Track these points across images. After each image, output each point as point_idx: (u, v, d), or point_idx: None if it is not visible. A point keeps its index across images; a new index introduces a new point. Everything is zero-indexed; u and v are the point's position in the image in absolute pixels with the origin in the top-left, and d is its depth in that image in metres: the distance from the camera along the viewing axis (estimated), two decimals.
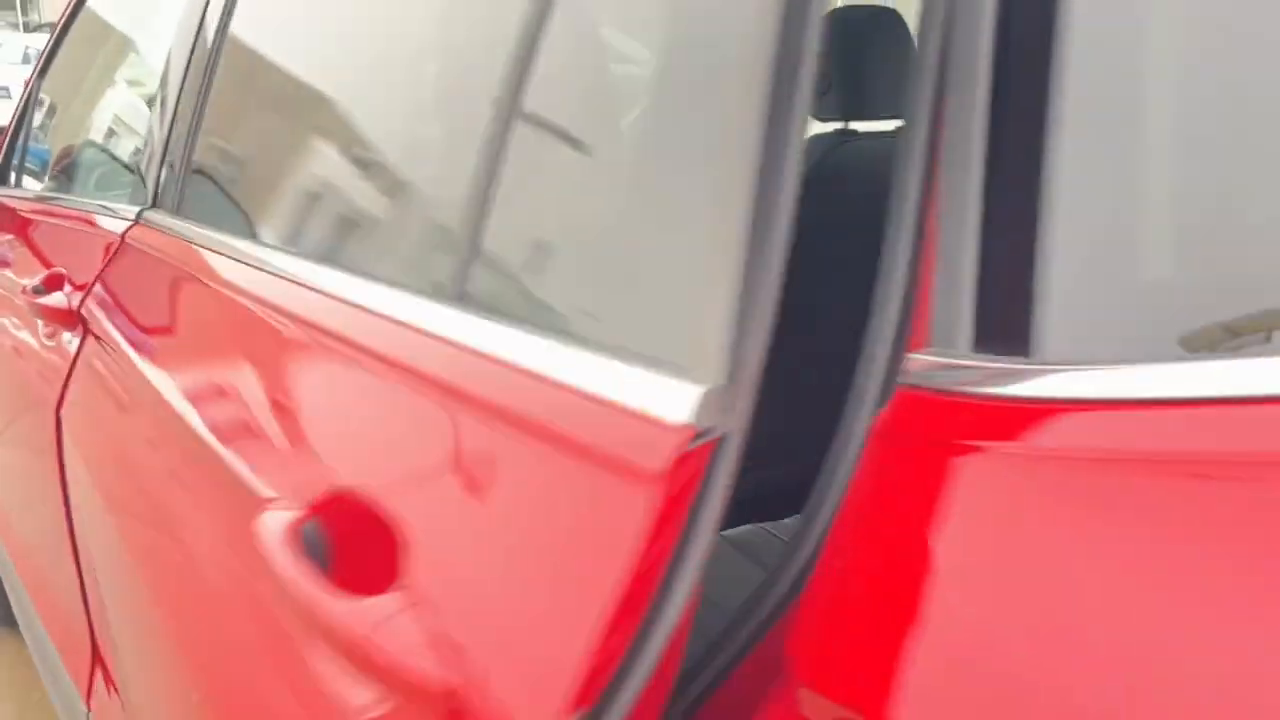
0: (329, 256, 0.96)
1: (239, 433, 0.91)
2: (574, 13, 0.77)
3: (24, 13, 34.72)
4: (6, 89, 13.02)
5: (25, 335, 1.58)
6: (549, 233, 0.74)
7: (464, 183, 0.82)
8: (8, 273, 1.71)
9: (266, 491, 0.80)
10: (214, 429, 0.98)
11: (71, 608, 1.53)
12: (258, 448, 0.87)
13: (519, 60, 0.79)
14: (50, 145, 2.01)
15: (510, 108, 0.78)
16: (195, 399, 1.04)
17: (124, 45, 1.85)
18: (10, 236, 1.81)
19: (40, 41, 17.58)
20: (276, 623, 0.79)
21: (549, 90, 0.75)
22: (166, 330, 1.18)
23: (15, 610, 2.06)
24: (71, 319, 1.39)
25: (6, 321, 1.68)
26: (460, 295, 0.76)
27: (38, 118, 2.03)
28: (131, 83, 1.81)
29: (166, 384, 1.12)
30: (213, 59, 1.25)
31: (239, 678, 0.92)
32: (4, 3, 34.75)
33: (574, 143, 0.75)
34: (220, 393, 0.98)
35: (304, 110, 1.14)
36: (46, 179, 1.89)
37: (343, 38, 1.10)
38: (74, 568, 1.45)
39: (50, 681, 1.81)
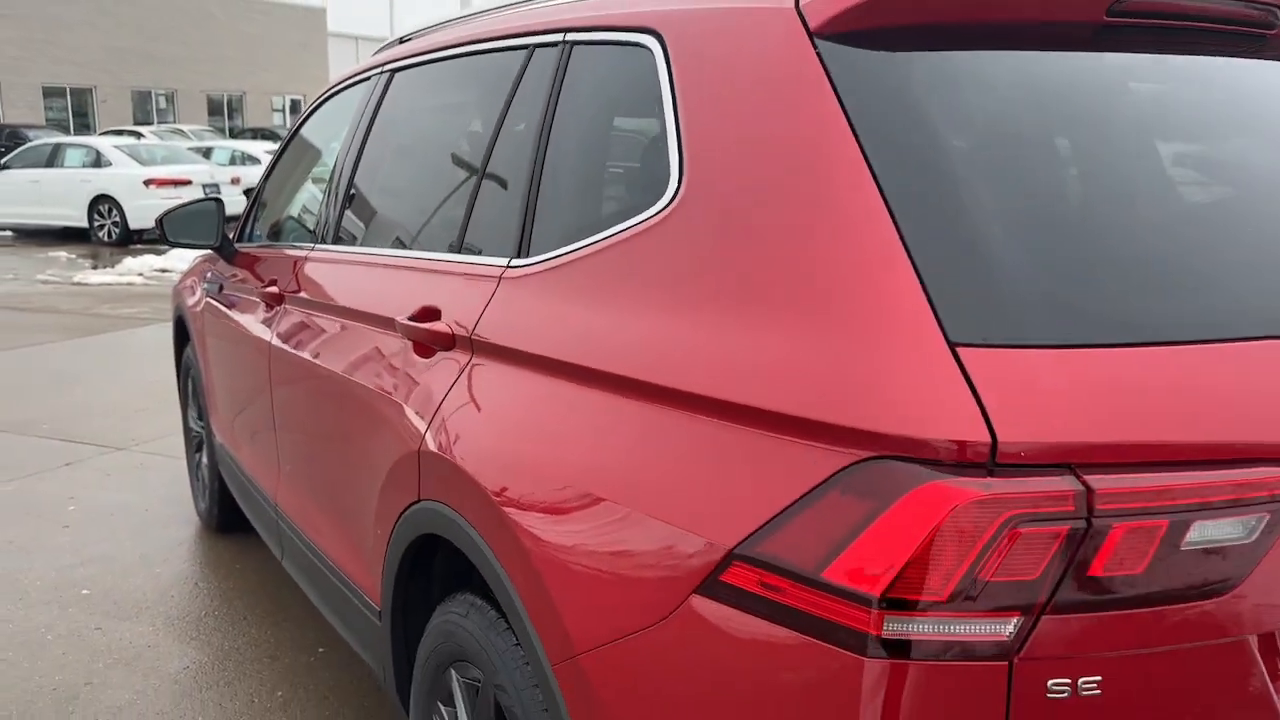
0: (379, 242, 2.37)
1: (352, 316, 2.28)
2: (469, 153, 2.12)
3: (229, 118, 39.05)
4: (217, 186, 15.30)
5: (256, 314, 3.02)
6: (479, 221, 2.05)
7: (438, 209, 2.20)
8: (248, 284, 3.18)
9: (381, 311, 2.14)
10: (336, 328, 2.36)
11: (269, 456, 2.92)
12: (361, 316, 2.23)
13: (461, 169, 2.16)
14: (264, 224, 3.48)
15: (456, 188, 2.15)
16: (324, 312, 2.44)
17: (309, 161, 3.31)
18: (247, 270, 3.27)
19: (243, 145, 20.40)
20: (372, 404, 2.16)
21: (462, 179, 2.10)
22: (324, 293, 2.56)
23: (239, 495, 3.47)
24: (279, 299, 2.82)
25: (247, 307, 3.14)
26: (424, 246, 2.11)
27: (261, 204, 3.52)
28: (313, 180, 3.25)
29: (314, 316, 2.52)
30: (348, 173, 2.66)
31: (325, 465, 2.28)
32: (215, 109, 39.19)
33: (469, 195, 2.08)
34: (334, 305, 2.38)
35: (380, 196, 2.54)
36: (265, 237, 3.36)
37: (401, 163, 2.50)
38: (272, 430, 2.84)
39: (256, 515, 3.22)
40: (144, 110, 35.85)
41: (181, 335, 4.26)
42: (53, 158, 15.97)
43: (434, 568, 1.97)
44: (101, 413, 5.89)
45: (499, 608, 1.67)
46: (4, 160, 16.68)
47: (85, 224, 15.37)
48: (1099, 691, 1.05)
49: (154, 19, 35.69)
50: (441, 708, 1.89)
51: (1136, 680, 1.06)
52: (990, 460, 1.03)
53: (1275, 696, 1.12)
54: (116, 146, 16.17)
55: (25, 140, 23.22)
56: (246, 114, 39.83)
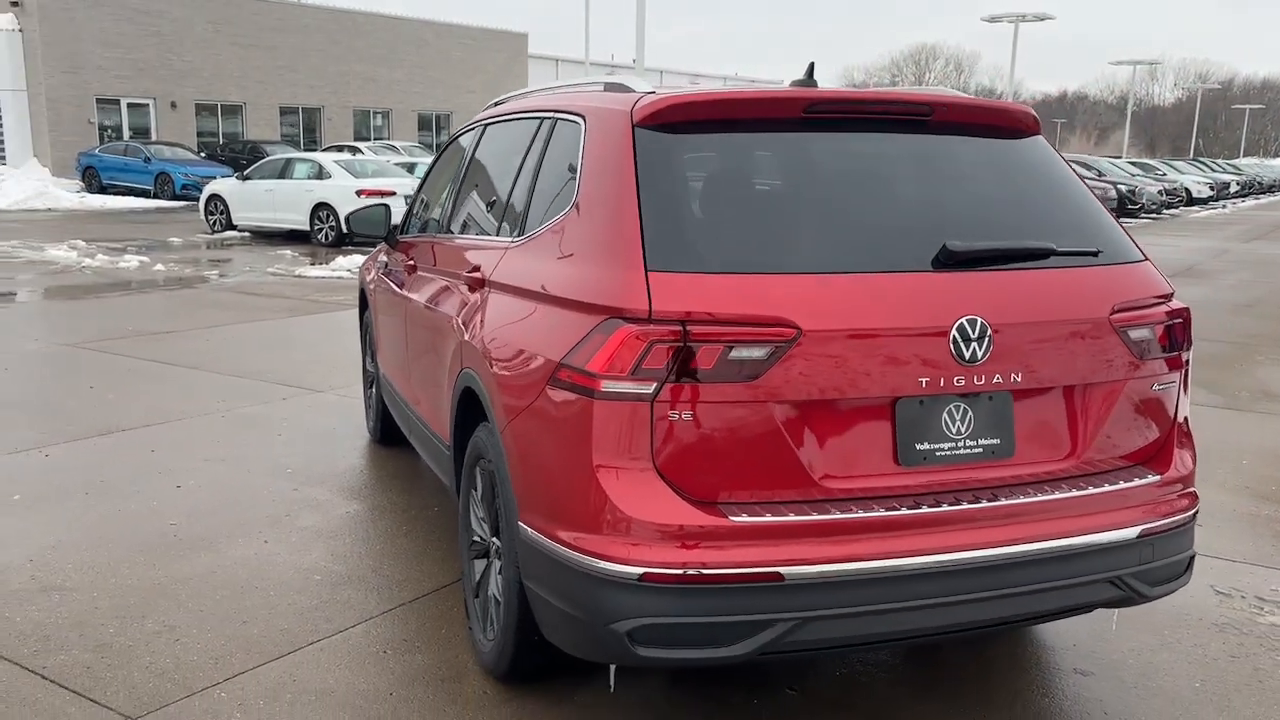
0: (465, 231, 3.88)
1: (450, 270, 3.81)
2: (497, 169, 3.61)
3: (437, 134, 42.48)
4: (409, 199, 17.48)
5: (402, 280, 4.60)
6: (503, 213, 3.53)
7: (491, 211, 3.69)
8: (400, 261, 4.76)
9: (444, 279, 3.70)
10: (437, 282, 3.89)
11: (405, 369, 4.50)
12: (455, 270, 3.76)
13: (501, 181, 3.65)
14: (414, 222, 5.06)
15: (496, 191, 3.63)
16: (434, 274, 3.97)
17: (442, 181, 4.87)
18: (401, 254, 4.86)
19: None
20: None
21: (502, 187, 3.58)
22: (443, 260, 4.07)
23: (390, 404, 5.08)
24: (414, 269, 4.38)
25: (398, 277, 4.73)
26: (483, 233, 3.60)
27: (413, 209, 5.12)
28: (441, 193, 4.80)
29: (429, 276, 4.06)
30: (457, 188, 4.19)
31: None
32: (425, 125, 42.71)
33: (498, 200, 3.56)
34: (437, 269, 3.91)
35: (468, 203, 4.06)
36: (414, 231, 4.94)
37: (480, 183, 4.01)
38: (406, 352, 4.41)
39: (397, 411, 4.82)
40: (363, 126, 39.61)
41: (362, 303, 5.94)
42: (284, 170, 18.68)
43: (472, 416, 3.43)
44: (310, 368, 7.74)
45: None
46: (246, 172, 19.57)
47: (307, 227, 17.93)
48: (691, 418, 2.40)
49: (376, 45, 39.36)
50: (471, 492, 3.36)
51: (710, 415, 2.40)
52: (649, 318, 2.40)
53: (782, 431, 2.44)
54: (336, 161, 18.74)
55: (264, 154, 26.65)
56: (453, 130, 43.16)
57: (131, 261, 14.34)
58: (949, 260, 2.58)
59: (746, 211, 2.65)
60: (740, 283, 2.46)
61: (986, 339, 2.55)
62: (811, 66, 3.15)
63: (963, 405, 2.60)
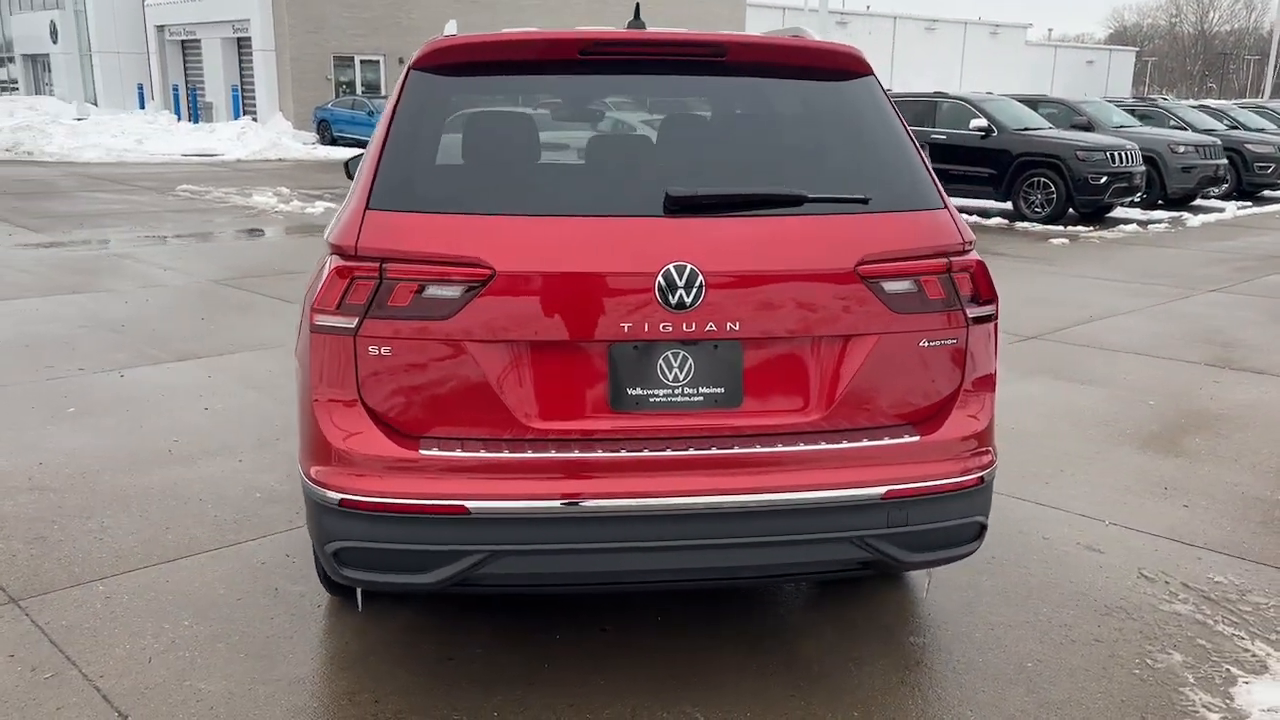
0: None
1: None
2: None
3: None
4: None
5: None
6: None
7: None
8: None
9: None
10: None
11: None
12: None
13: None
14: None
15: None
16: None
17: None
18: None
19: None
20: None
21: None
22: None
23: None
24: None
25: None
26: None
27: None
28: None
29: None
30: None
31: None
32: None
33: None
34: None
35: None
36: None
37: None
38: None
39: None
40: None
41: None
42: None
43: None
44: None
45: None
46: None
47: None
48: (391, 354, 2.49)
49: (589, 1, 40.09)
50: None
51: (408, 351, 2.48)
52: (355, 254, 2.50)
53: (482, 370, 2.48)
54: None
55: None
56: None
57: (318, 208, 15.48)
58: (672, 206, 2.53)
59: (480, 154, 2.68)
60: (440, 222, 2.51)
61: (697, 286, 2.49)
62: (637, 8, 3.10)
63: (682, 352, 2.55)
